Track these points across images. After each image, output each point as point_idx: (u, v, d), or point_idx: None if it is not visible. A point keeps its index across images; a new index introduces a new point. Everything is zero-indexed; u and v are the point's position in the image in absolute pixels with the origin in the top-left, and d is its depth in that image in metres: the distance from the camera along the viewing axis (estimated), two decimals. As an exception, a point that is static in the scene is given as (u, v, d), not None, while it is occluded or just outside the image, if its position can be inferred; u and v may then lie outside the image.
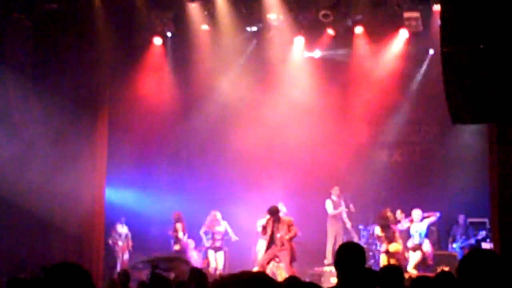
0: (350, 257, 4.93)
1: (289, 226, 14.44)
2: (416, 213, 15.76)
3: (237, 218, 17.00)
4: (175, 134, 18.65)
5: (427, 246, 15.58)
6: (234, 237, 16.86)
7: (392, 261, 14.75)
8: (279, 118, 17.81)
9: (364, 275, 5.05)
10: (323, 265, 16.24)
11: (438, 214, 15.93)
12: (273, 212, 14.51)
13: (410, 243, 15.65)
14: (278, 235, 14.39)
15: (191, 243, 16.93)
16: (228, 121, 17.99)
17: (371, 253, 17.05)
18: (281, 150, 18.27)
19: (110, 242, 17.28)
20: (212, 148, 18.69)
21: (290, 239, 14.34)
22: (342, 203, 17.37)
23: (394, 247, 15.28)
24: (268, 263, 14.46)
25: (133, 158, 17.79)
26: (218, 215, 16.83)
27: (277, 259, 14.81)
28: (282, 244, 14.42)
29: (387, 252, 15.22)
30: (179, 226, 16.70)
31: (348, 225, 17.37)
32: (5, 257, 14.77)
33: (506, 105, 9.76)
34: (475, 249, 4.19)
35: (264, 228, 14.71)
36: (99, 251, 16.24)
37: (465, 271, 3.69)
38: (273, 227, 14.53)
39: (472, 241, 16.98)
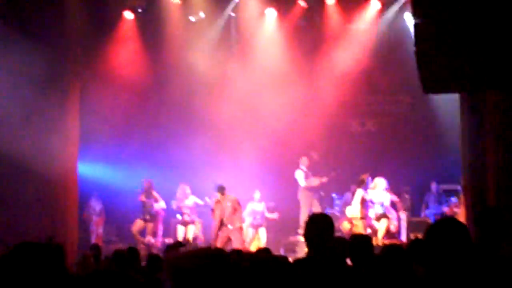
0: (318, 228, 4.96)
1: (234, 206, 14.49)
2: (381, 181, 15.79)
3: (211, 190, 16.99)
4: (147, 107, 18.55)
5: (392, 214, 15.66)
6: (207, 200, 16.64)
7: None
8: (252, 90, 17.78)
9: (332, 246, 5.08)
10: (298, 234, 16.29)
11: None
12: (221, 191, 14.60)
13: (372, 213, 15.69)
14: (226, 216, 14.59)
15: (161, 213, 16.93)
16: (201, 93, 17.91)
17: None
18: (254, 120, 18.23)
19: (85, 216, 17.23)
20: (184, 120, 18.58)
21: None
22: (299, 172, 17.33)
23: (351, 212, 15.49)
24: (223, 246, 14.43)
25: (105, 132, 17.65)
26: (187, 190, 16.77)
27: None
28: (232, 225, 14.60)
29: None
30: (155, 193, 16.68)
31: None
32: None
33: (476, 74, 9.81)
34: (440, 219, 4.29)
35: (213, 210, 14.83)
36: (73, 225, 16.14)
37: (431, 239, 3.78)
38: (222, 208, 14.63)
39: (444, 207, 17.15)
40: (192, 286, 2.08)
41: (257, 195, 16.92)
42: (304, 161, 17.29)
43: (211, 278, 2.09)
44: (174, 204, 16.78)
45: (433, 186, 17.70)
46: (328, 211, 17.38)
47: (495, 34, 8.91)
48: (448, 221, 3.96)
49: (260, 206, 16.88)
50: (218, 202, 15.14)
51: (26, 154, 14.82)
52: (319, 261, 4.86)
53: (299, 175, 17.11)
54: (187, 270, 2.14)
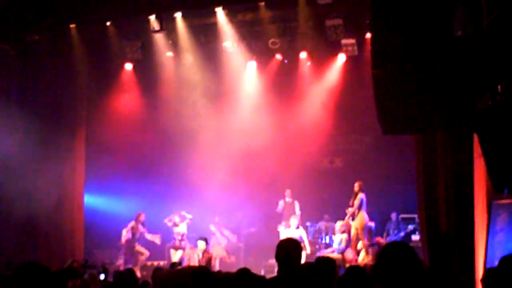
0: (287, 252, 4.97)
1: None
2: (339, 224, 15.93)
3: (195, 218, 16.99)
4: (144, 146, 18.52)
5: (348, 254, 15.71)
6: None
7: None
8: (236, 132, 17.85)
9: (299, 267, 5.08)
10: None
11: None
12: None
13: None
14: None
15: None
16: (191, 135, 17.95)
17: (317, 246, 17.14)
18: (238, 159, 18.27)
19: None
20: (177, 158, 18.62)
21: None
22: (296, 203, 17.35)
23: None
24: None
25: (107, 167, 17.68)
26: (177, 218, 16.66)
27: None
28: None
29: None
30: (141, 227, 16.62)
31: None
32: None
33: (427, 118, 9.88)
34: (391, 242, 4.29)
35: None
36: (80, 249, 16.09)
37: (380, 261, 3.79)
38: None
39: (402, 233, 17.14)
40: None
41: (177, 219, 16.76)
42: (288, 193, 17.40)
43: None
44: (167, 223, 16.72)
45: (393, 215, 17.73)
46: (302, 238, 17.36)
47: (442, 84, 9.01)
48: (397, 244, 3.97)
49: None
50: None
51: (38, 186, 14.80)
52: (287, 279, 4.86)
53: (297, 205, 17.24)
54: (175, 284, 2.14)
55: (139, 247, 16.62)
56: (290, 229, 16.38)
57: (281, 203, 17.39)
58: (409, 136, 13.19)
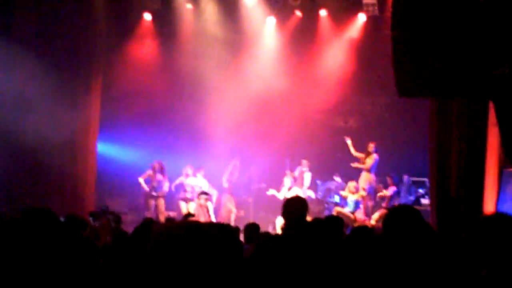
0: (292, 208, 4.98)
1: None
2: (352, 184, 15.83)
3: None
4: (160, 95, 18.46)
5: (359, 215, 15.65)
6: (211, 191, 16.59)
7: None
8: (253, 87, 17.76)
9: (305, 223, 5.09)
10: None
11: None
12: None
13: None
14: None
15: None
16: (208, 87, 17.90)
17: (326, 205, 17.19)
18: (254, 115, 18.26)
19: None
20: (193, 109, 18.58)
21: None
22: (308, 174, 17.15)
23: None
24: None
25: (122, 116, 17.72)
26: (189, 171, 16.61)
27: None
28: None
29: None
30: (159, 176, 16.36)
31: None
32: (2, 198, 14.54)
33: (445, 83, 9.78)
34: (397, 206, 4.25)
35: None
36: (91, 197, 16.19)
37: (388, 223, 3.78)
38: None
39: (412, 197, 17.16)
40: (169, 253, 2.06)
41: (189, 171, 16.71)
42: (305, 163, 17.24)
43: (184, 246, 2.07)
44: (177, 181, 16.65)
45: (405, 178, 17.71)
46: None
47: (462, 49, 8.89)
48: (403, 207, 3.96)
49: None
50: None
51: (53, 129, 14.79)
52: (293, 236, 4.87)
53: (307, 177, 17.07)
54: (164, 239, 2.13)
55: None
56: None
57: (298, 170, 17.23)
58: (424, 100, 13.07)
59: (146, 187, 16.20)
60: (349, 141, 16.41)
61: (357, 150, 16.66)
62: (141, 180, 16.24)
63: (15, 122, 14.41)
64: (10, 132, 14.49)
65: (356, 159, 16.47)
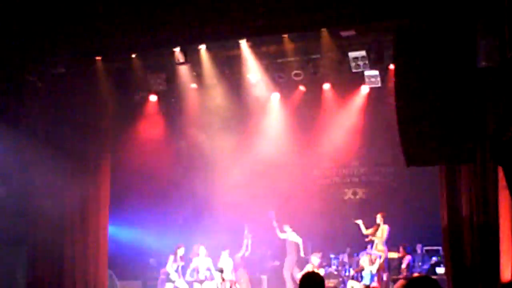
0: (311, 285, 4.94)
1: None
2: (367, 258, 15.69)
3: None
4: (167, 174, 18.56)
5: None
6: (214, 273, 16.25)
7: None
8: (259, 163, 17.88)
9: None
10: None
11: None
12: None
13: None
14: None
15: None
16: (215, 164, 18.04)
17: (340, 279, 17.01)
18: (261, 192, 18.29)
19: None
20: (202, 189, 18.68)
21: None
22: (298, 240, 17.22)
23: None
24: None
25: (131, 197, 17.77)
26: (199, 249, 16.46)
27: None
28: None
29: None
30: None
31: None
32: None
33: (451, 150, 9.84)
34: (415, 277, 4.24)
35: None
36: (104, 279, 16.07)
37: None
38: None
39: (426, 266, 16.96)
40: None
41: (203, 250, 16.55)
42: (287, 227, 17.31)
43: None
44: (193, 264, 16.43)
45: (418, 247, 17.58)
46: (326, 269, 17.22)
47: (466, 116, 9.00)
48: (422, 278, 3.95)
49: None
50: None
51: (66, 216, 14.88)
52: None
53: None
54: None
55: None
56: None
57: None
58: (432, 167, 13.08)
59: (176, 276, 16.03)
60: (359, 221, 16.22)
61: (368, 222, 16.56)
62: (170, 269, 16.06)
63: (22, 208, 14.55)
64: (16, 215, 14.60)
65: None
